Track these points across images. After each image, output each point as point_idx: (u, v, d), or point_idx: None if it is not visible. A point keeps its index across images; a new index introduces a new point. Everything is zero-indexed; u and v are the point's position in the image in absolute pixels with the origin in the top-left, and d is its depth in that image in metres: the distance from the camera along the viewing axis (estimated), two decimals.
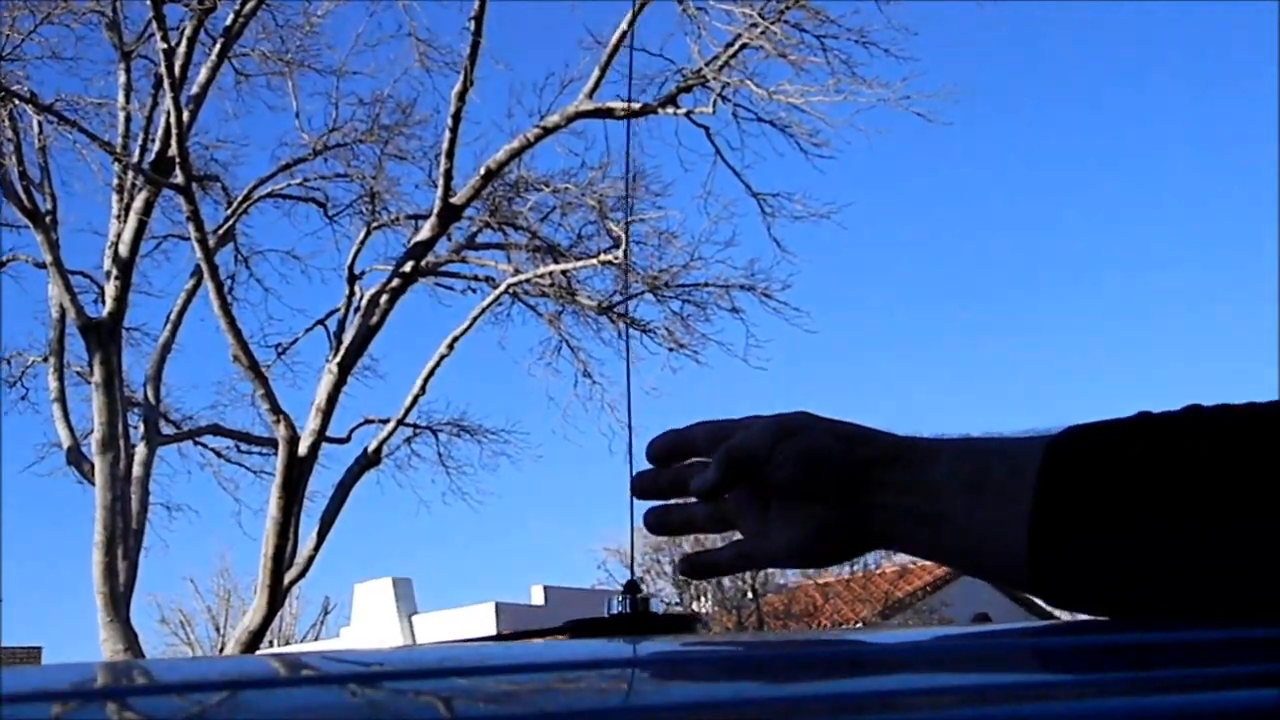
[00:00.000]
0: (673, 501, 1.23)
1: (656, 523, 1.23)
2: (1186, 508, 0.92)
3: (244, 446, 17.33)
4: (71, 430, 15.64)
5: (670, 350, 16.30)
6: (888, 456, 1.07)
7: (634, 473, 1.23)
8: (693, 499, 1.18)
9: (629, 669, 0.89)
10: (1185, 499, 0.92)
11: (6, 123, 14.09)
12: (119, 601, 14.52)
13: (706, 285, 16.20)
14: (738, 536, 1.20)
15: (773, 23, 14.38)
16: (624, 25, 14.43)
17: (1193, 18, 34.13)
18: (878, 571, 26.09)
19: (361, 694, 0.79)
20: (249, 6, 15.03)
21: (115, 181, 15.45)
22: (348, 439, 16.17)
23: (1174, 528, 0.92)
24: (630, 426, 1.34)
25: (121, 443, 14.90)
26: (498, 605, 22.01)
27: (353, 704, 0.76)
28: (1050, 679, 0.86)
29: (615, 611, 1.26)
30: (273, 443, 14.85)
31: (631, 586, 1.26)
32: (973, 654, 0.94)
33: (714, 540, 1.24)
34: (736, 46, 14.58)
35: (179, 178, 13.73)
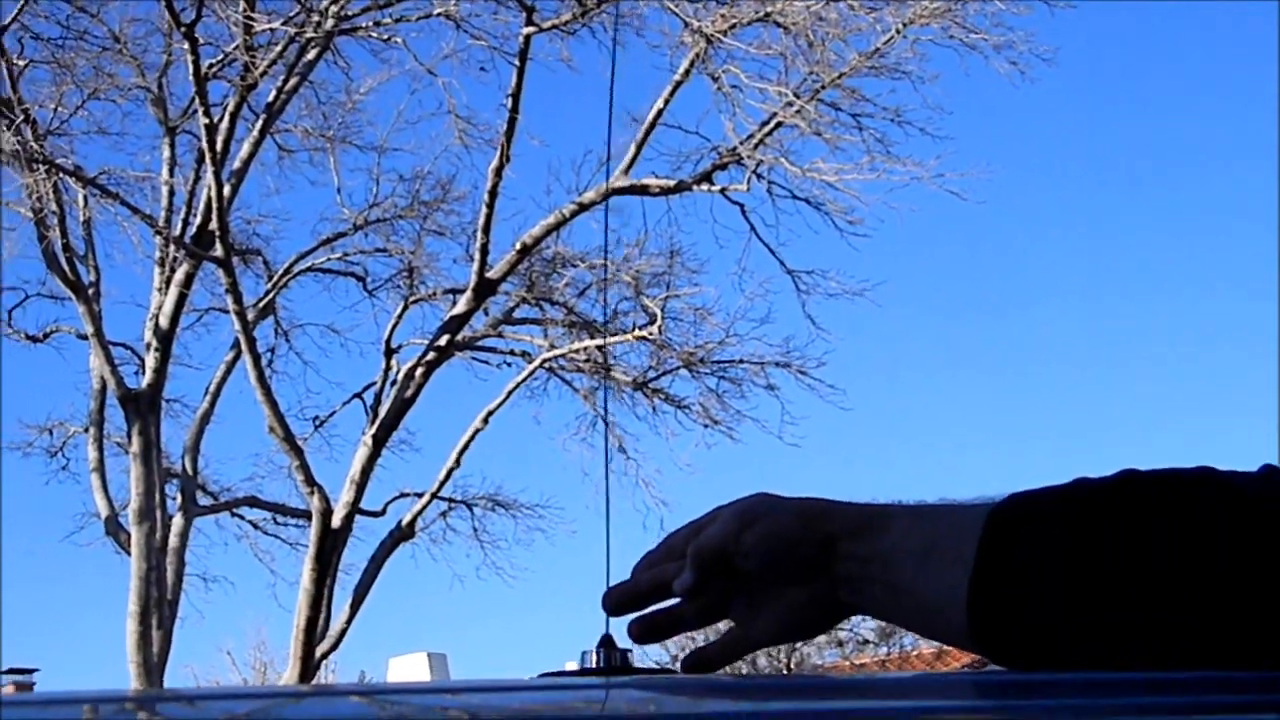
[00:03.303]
0: (656, 606, 1.23)
1: (643, 631, 1.23)
2: (1116, 571, 0.97)
3: (279, 518, 17.33)
4: (110, 500, 15.72)
5: (705, 426, 16.28)
6: (846, 530, 1.11)
7: (607, 588, 1.24)
8: (676, 600, 1.21)
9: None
10: (1115, 563, 0.97)
11: (51, 196, 14.27)
12: (153, 672, 14.53)
13: (742, 362, 16.21)
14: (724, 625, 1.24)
15: (808, 101, 14.47)
16: (660, 103, 14.54)
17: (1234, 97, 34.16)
18: (914, 653, 25.78)
19: None
20: (291, 83, 15.23)
21: (157, 255, 15.62)
22: (382, 512, 16.17)
23: (1105, 591, 0.97)
24: (608, 548, 1.34)
25: (158, 513, 14.96)
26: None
27: None
28: None
29: (588, 665, 1.22)
30: (307, 515, 14.89)
31: (606, 641, 1.23)
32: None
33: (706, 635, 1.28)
34: (771, 125, 14.67)
35: (220, 251, 13.89)
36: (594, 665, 1.22)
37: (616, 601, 1.22)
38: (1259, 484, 0.98)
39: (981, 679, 1.07)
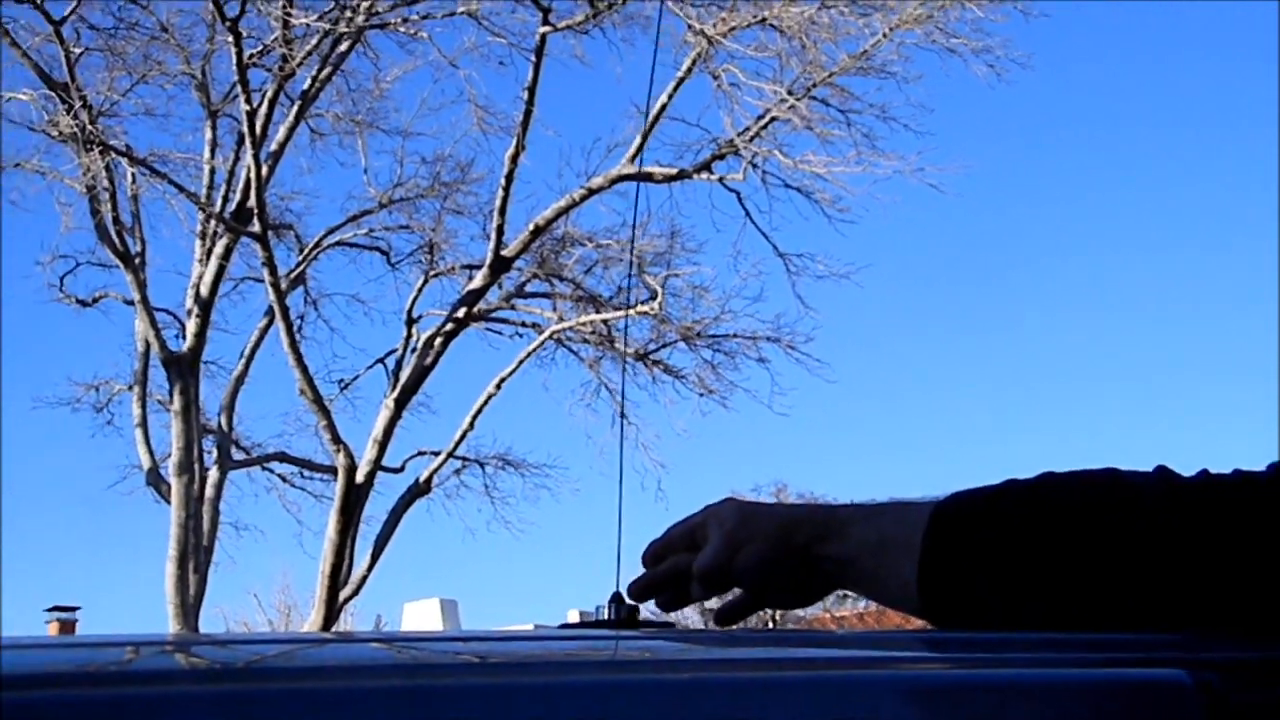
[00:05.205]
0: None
1: (665, 605, 1.39)
2: (1033, 555, 1.14)
3: (307, 473, 17.57)
4: (152, 454, 15.96)
5: (700, 395, 16.60)
6: (816, 536, 1.28)
7: (631, 581, 1.37)
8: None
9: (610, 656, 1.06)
10: (1033, 548, 1.14)
11: (103, 173, 14.54)
12: (189, 613, 14.86)
13: (735, 336, 16.50)
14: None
15: (800, 98, 14.75)
16: (664, 98, 14.83)
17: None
18: None
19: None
20: (325, 73, 15.50)
21: (199, 228, 15.88)
22: (402, 469, 16.49)
23: (1025, 571, 1.14)
24: (620, 519, 1.46)
25: (196, 466, 15.25)
26: (536, 627, 22.09)
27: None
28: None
29: (599, 618, 1.30)
30: (333, 470, 15.19)
31: (617, 597, 1.31)
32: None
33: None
34: (766, 119, 14.96)
35: (256, 226, 14.20)
36: (605, 618, 1.29)
37: (639, 591, 1.36)
38: (1153, 482, 1.14)
39: (917, 636, 1.19)
